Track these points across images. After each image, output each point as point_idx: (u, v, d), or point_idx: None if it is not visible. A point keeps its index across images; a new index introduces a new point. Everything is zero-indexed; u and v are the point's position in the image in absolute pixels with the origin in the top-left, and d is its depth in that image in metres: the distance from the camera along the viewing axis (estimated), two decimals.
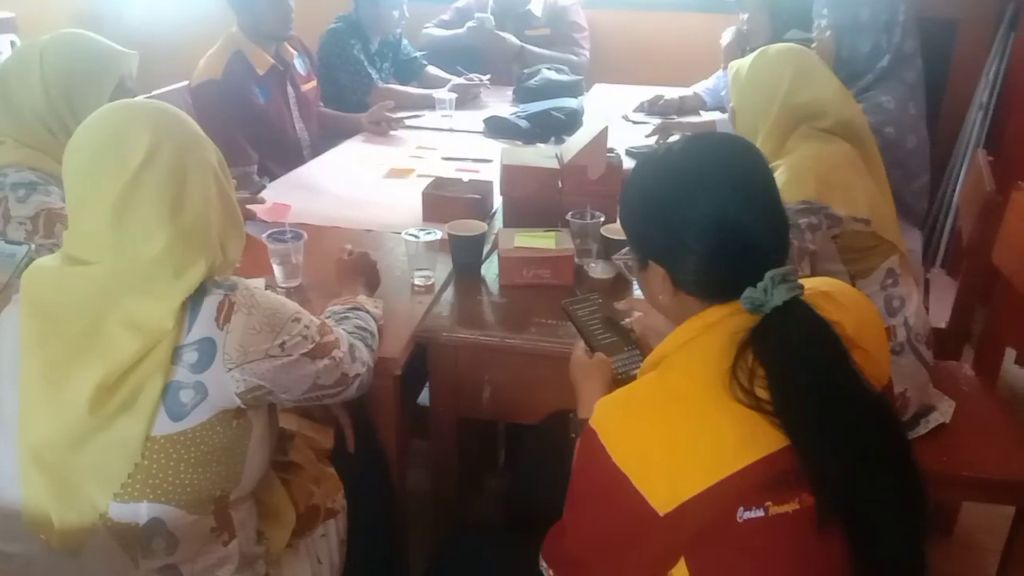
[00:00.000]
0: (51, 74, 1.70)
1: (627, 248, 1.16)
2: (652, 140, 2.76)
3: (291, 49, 2.89)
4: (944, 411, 1.83)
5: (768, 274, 0.98)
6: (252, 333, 1.11)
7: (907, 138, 2.12)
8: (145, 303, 1.06)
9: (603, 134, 1.97)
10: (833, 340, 0.98)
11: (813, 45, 2.39)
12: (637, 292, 1.63)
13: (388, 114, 2.97)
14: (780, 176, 1.67)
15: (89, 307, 1.06)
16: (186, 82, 2.85)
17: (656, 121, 3.06)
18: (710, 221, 1.00)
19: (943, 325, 2.17)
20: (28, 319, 1.09)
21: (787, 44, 1.85)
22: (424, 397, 1.74)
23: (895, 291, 1.74)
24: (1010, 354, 2.81)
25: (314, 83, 3.02)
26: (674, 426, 0.93)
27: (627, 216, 1.13)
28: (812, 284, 1.07)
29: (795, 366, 0.95)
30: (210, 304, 1.09)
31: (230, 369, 1.09)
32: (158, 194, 1.07)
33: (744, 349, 0.95)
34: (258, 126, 2.74)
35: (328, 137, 2.98)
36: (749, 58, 1.82)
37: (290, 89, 2.88)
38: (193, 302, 1.08)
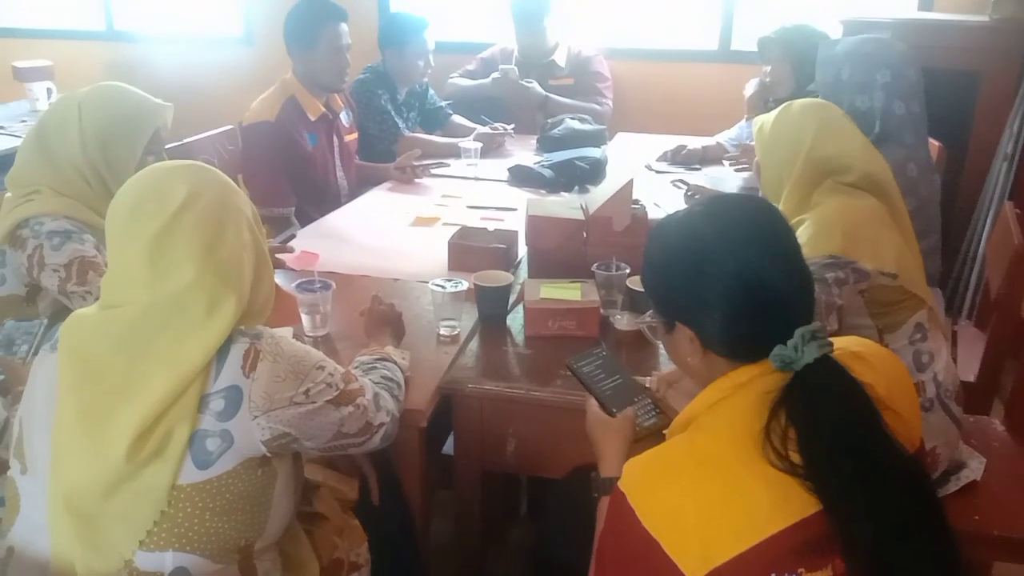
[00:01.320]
0: (88, 126, 1.75)
1: (649, 312, 1.16)
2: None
3: (340, 101, 2.97)
4: (975, 468, 1.80)
5: (798, 331, 0.98)
6: (277, 381, 1.12)
7: (905, 200, 2.11)
8: (176, 339, 1.08)
9: (628, 186, 1.99)
10: (865, 401, 0.97)
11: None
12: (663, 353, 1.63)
13: (415, 162, 3.01)
14: (806, 230, 1.68)
15: (124, 349, 1.08)
16: (227, 127, 2.93)
17: (679, 170, 3.08)
18: (736, 279, 1.01)
19: (972, 378, 2.15)
20: (65, 367, 1.11)
21: (811, 99, 1.86)
22: (449, 446, 1.74)
23: (924, 346, 1.73)
24: None
25: (355, 135, 3.09)
26: (706, 489, 0.93)
27: (651, 278, 1.13)
28: (842, 344, 1.06)
29: (827, 428, 0.94)
30: (236, 352, 1.11)
31: (256, 416, 1.10)
32: (194, 233, 1.10)
33: (777, 410, 0.95)
34: (303, 170, 2.81)
35: (360, 185, 3.04)
36: (773, 113, 1.84)
37: (335, 138, 2.95)
38: (220, 350, 1.10)
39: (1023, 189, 3.14)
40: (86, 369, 1.09)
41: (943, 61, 3.18)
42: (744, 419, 0.95)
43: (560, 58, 3.78)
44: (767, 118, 1.84)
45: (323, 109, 2.86)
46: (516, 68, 3.67)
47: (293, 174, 2.76)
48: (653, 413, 1.37)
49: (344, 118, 3.01)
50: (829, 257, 1.61)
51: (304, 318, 1.75)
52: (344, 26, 2.83)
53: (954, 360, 2.20)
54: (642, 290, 1.79)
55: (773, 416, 0.94)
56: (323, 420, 1.18)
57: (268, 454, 1.13)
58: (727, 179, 3.01)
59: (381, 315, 1.66)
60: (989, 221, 3.18)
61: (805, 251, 1.57)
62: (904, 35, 3.17)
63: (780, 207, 1.80)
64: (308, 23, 2.79)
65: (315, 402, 1.17)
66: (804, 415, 0.94)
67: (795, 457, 0.92)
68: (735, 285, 1.00)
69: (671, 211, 2.46)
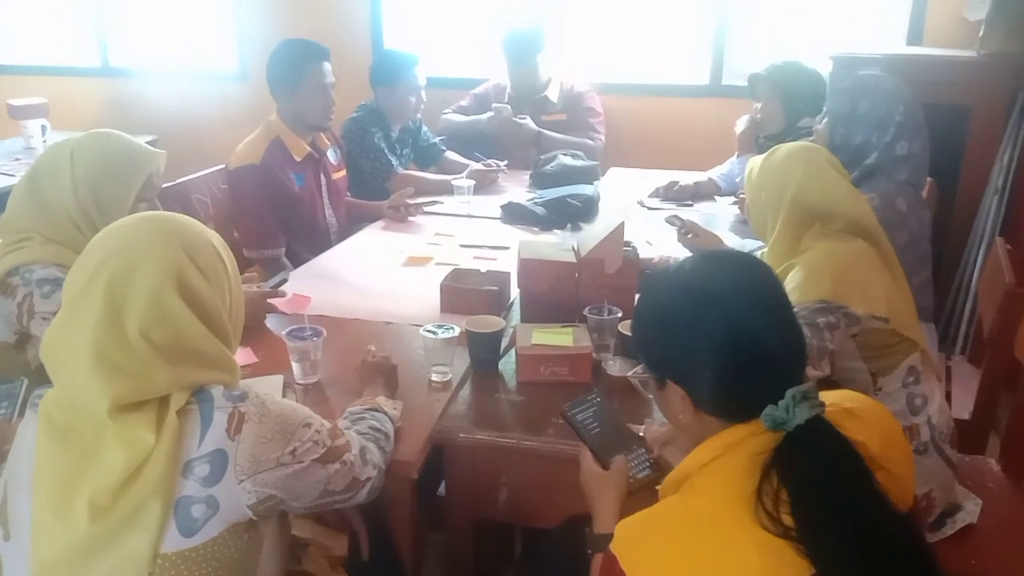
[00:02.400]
0: (80, 173, 1.75)
1: (640, 366, 1.16)
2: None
3: (326, 140, 2.97)
4: (971, 511, 1.79)
5: (789, 392, 0.98)
6: (264, 442, 1.11)
7: (896, 234, 2.14)
8: (128, 416, 1.06)
9: (620, 228, 1.99)
10: (857, 462, 0.97)
11: (815, 129, 2.42)
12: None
13: (408, 200, 3.01)
14: (796, 275, 1.68)
15: (89, 417, 1.07)
16: (220, 166, 2.94)
17: (672, 207, 3.09)
18: (726, 339, 1.01)
19: (966, 415, 2.14)
20: (42, 431, 1.10)
21: (799, 143, 1.87)
22: (443, 488, 1.73)
23: (917, 389, 1.72)
24: None
25: (343, 172, 3.10)
26: (699, 552, 0.92)
27: (642, 337, 1.13)
28: (834, 400, 1.06)
29: (819, 491, 0.93)
30: (220, 417, 1.09)
31: (242, 481, 1.09)
32: (111, 311, 1.08)
33: (768, 472, 0.94)
34: (291, 211, 2.81)
35: (352, 223, 3.04)
36: (762, 157, 1.85)
37: (323, 177, 2.95)
38: (204, 415, 1.09)
39: (1014, 224, 3.16)
40: (60, 437, 1.08)
41: (933, 96, 3.19)
42: (737, 481, 0.95)
43: (552, 94, 3.81)
44: (756, 161, 1.86)
45: (308, 149, 2.86)
46: (509, 106, 3.69)
47: (281, 215, 2.76)
48: (647, 465, 1.36)
49: (331, 156, 3.01)
50: (820, 302, 1.61)
51: (295, 366, 1.74)
52: (327, 65, 2.84)
53: (948, 397, 2.20)
54: None
55: (765, 478, 0.93)
56: (310, 479, 1.17)
57: (254, 518, 1.12)
58: (719, 215, 3.03)
59: (374, 366, 1.66)
60: (981, 255, 3.18)
61: (795, 296, 1.59)
62: (894, 70, 3.20)
63: (769, 250, 1.81)
64: (292, 64, 2.80)
65: (302, 462, 1.15)
66: (796, 477, 0.93)
67: (787, 520, 0.91)
68: (726, 345, 1.00)
69: (664, 250, 2.49)
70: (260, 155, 2.74)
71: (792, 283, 1.66)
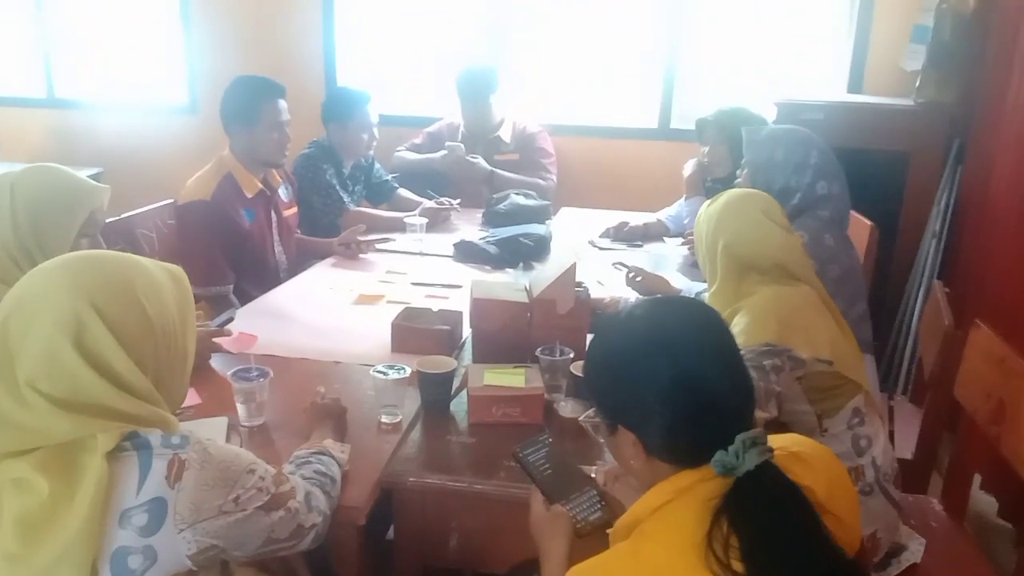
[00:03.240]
0: (21, 208, 1.72)
1: (592, 410, 1.16)
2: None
3: (278, 177, 2.95)
4: (915, 551, 1.81)
5: (739, 437, 0.99)
6: (205, 489, 1.08)
7: (828, 268, 2.22)
8: (16, 461, 1.04)
9: (571, 269, 2.00)
10: (806, 508, 0.98)
11: (736, 182, 2.49)
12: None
13: (360, 237, 3.00)
14: (742, 319, 1.71)
15: None
16: (168, 201, 2.89)
17: (622, 247, 3.13)
18: (676, 386, 1.02)
19: (909, 455, 2.18)
20: None
21: (740, 191, 1.93)
22: (392, 532, 1.69)
23: (862, 430, 1.75)
24: (977, 479, 2.82)
25: (295, 209, 3.07)
26: None
27: (593, 383, 1.13)
28: (782, 444, 1.07)
29: (768, 536, 0.94)
30: (159, 465, 1.06)
31: (181, 530, 1.06)
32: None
33: (719, 518, 0.94)
34: (240, 247, 2.76)
35: (302, 259, 3.00)
36: (705, 206, 1.90)
37: (273, 214, 2.92)
38: (142, 462, 1.05)
39: (952, 267, 3.26)
40: None
41: (873, 142, 3.32)
42: (687, 527, 0.95)
43: (505, 134, 3.84)
44: (702, 211, 1.90)
45: (260, 185, 2.83)
46: (462, 145, 3.71)
47: (230, 252, 2.72)
48: (598, 507, 1.35)
49: (283, 193, 2.98)
50: (765, 345, 1.64)
51: (240, 407, 1.70)
52: (283, 102, 2.83)
53: (891, 437, 2.24)
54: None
55: (715, 524, 0.94)
56: (253, 527, 1.14)
57: (194, 568, 1.08)
58: (668, 256, 3.07)
59: (324, 408, 1.63)
60: (920, 297, 3.28)
61: (741, 340, 1.61)
62: (835, 117, 3.33)
63: (714, 294, 1.83)
64: (247, 100, 2.78)
65: (245, 509, 1.12)
66: (745, 523, 0.93)
67: (737, 566, 0.92)
68: (675, 392, 1.01)
69: (615, 291, 2.50)
70: (211, 191, 2.70)
71: (738, 327, 1.68)
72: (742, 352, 1.51)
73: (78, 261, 1.15)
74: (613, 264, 2.79)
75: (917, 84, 3.35)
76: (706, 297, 1.90)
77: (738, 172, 2.51)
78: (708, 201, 1.91)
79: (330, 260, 2.97)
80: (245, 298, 2.62)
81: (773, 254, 1.77)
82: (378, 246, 3.05)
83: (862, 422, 1.76)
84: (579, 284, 2.04)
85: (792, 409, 1.70)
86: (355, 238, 2.99)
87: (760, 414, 1.56)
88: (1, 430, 1.03)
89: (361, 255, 2.98)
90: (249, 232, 2.78)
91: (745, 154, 2.46)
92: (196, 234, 2.68)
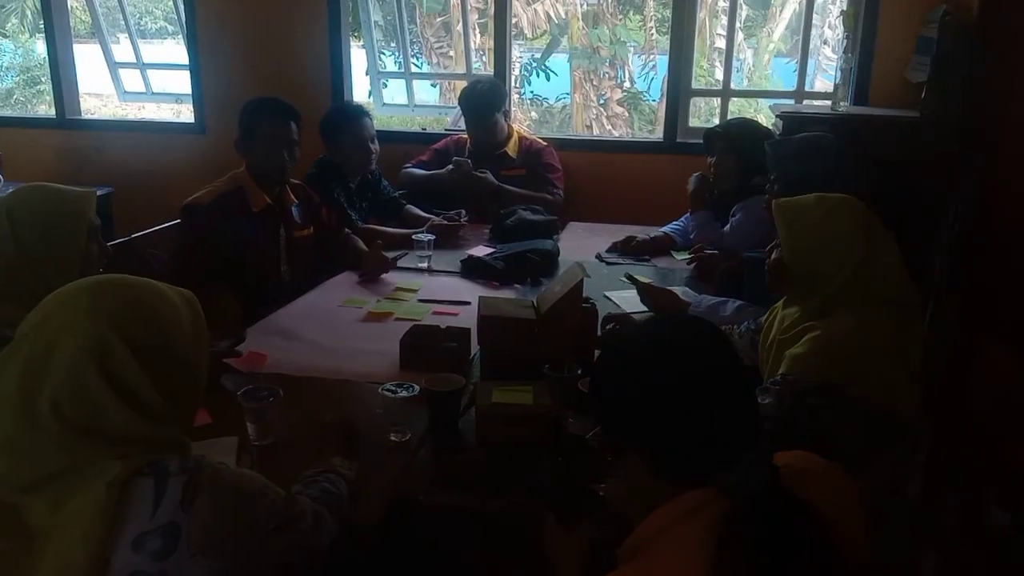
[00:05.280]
0: (23, 229, 1.74)
1: (597, 430, 1.16)
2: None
3: (293, 197, 2.96)
4: (928, 566, 1.80)
5: (745, 457, 0.98)
6: (218, 513, 1.09)
7: None
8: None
9: (579, 285, 2.01)
10: (812, 525, 0.97)
11: (766, 198, 2.47)
12: None
13: (384, 254, 2.99)
14: (809, 342, 1.63)
15: None
16: (176, 221, 2.92)
17: (629, 262, 3.13)
18: (682, 406, 1.02)
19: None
20: None
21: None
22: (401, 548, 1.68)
23: (903, 470, 1.66)
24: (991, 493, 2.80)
25: (310, 231, 3.04)
26: None
27: (600, 402, 1.13)
28: (788, 461, 1.07)
29: (775, 557, 0.94)
30: (175, 487, 1.07)
31: (194, 555, 1.06)
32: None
33: (726, 538, 0.94)
34: (240, 261, 2.77)
35: (314, 276, 2.98)
36: (814, 207, 1.76)
37: (283, 232, 2.93)
38: (157, 486, 1.06)
39: (962, 279, 3.24)
40: None
41: (879, 154, 3.31)
42: (695, 547, 0.95)
43: (512, 149, 3.85)
44: (803, 208, 1.76)
45: (268, 201, 2.86)
46: (469, 160, 3.72)
47: (226, 262, 2.74)
48: (607, 526, 1.34)
49: (296, 212, 2.99)
50: (819, 383, 1.56)
51: (250, 427, 1.71)
52: (290, 123, 2.86)
53: None
54: None
55: (723, 544, 0.94)
56: (265, 551, 1.15)
57: None
58: (676, 270, 3.07)
59: (335, 427, 1.63)
60: (931, 309, 3.25)
61: (796, 366, 1.57)
62: (841, 128, 3.32)
63: (793, 303, 1.77)
64: (252, 120, 2.84)
65: (256, 534, 1.13)
66: (753, 543, 0.93)
67: None
68: (682, 412, 1.01)
69: (621, 305, 2.49)
70: (211, 199, 2.75)
71: (802, 347, 1.63)
72: (791, 377, 1.48)
73: (101, 285, 1.17)
74: (622, 277, 2.78)
75: (923, 96, 3.34)
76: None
77: (767, 188, 2.49)
78: (808, 202, 1.77)
79: (340, 277, 2.97)
80: (249, 314, 2.62)
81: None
82: (399, 264, 3.04)
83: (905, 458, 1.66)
84: (587, 300, 2.05)
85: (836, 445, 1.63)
86: (380, 255, 2.98)
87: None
88: (14, 457, 1.04)
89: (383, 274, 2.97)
90: (250, 246, 2.79)
91: (773, 169, 2.45)
92: (183, 234, 2.78)
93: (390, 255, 3.03)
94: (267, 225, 2.87)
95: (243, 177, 2.83)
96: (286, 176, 2.90)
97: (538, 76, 9.94)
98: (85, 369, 1.07)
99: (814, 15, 4.34)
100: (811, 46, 4.43)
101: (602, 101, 9.96)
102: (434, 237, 3.19)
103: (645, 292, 2.50)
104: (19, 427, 1.05)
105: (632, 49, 10.18)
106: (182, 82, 4.58)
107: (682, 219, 3.39)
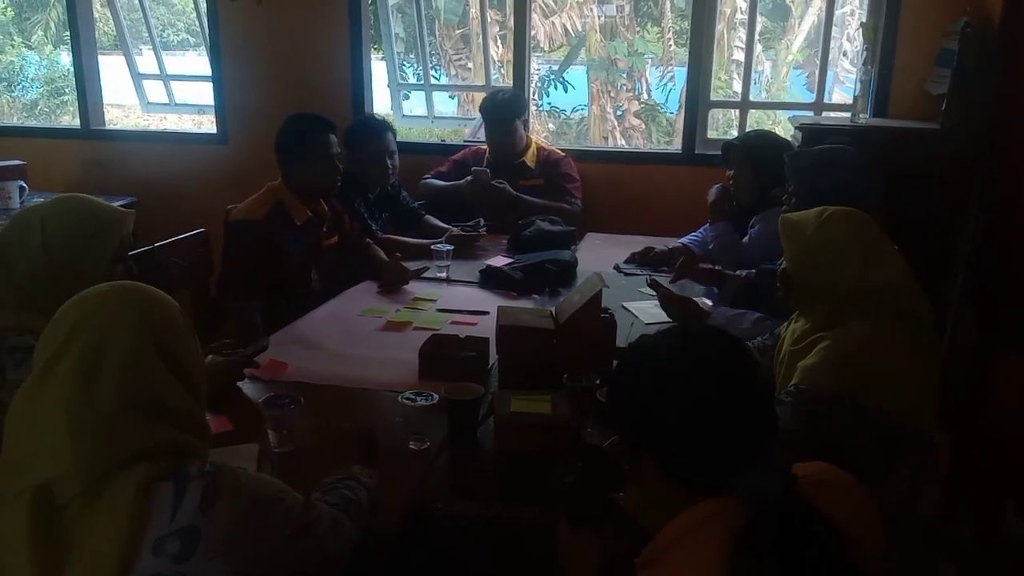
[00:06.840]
0: (54, 240, 1.75)
1: (614, 438, 1.16)
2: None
3: (325, 206, 3.01)
4: None
5: (762, 467, 0.99)
6: (237, 518, 1.11)
7: None
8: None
9: (597, 295, 2.02)
10: (828, 536, 0.98)
11: (783, 208, 2.46)
12: None
13: (404, 265, 3.02)
14: (819, 354, 1.64)
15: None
16: (199, 230, 2.96)
17: (647, 272, 3.13)
18: (700, 416, 1.02)
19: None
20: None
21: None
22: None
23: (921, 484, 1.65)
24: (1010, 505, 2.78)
25: (334, 239, 3.09)
26: None
27: (617, 410, 1.14)
28: (806, 471, 1.07)
29: (792, 565, 0.94)
30: (194, 491, 1.09)
31: (212, 558, 1.08)
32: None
33: (742, 547, 0.95)
34: (282, 273, 2.84)
35: (338, 285, 3.02)
36: (812, 220, 1.77)
37: (318, 242, 2.98)
38: (177, 489, 1.08)
39: (981, 292, 3.22)
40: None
41: (899, 166, 3.30)
42: (712, 557, 0.95)
43: (530, 159, 3.87)
44: (805, 223, 1.78)
45: (309, 214, 2.91)
46: (488, 170, 3.75)
47: (271, 275, 2.80)
48: (625, 535, 1.35)
49: (327, 222, 3.03)
50: (832, 393, 1.56)
51: (270, 434, 1.73)
52: (332, 137, 2.94)
53: None
54: None
55: (739, 553, 0.94)
56: (282, 556, 1.16)
57: None
58: (694, 283, 3.06)
59: (354, 436, 1.64)
60: (950, 322, 3.24)
61: (809, 376, 1.57)
62: (860, 141, 3.31)
63: (804, 313, 1.77)
64: (298, 135, 2.90)
65: (274, 538, 1.15)
66: (769, 552, 0.94)
67: None
68: (699, 422, 1.02)
69: (639, 314, 2.49)
70: (264, 213, 2.81)
71: (814, 358, 1.63)
72: (804, 387, 1.48)
73: (128, 284, 1.21)
74: (647, 280, 2.78)
75: (943, 108, 3.33)
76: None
77: (784, 200, 2.48)
78: (808, 216, 1.79)
79: (360, 287, 2.99)
80: (280, 319, 2.65)
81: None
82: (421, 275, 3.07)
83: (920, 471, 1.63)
84: (605, 310, 2.06)
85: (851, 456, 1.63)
86: (399, 265, 3.01)
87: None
88: (90, 444, 1.07)
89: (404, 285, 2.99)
90: (294, 258, 2.86)
91: (791, 181, 2.45)
92: (242, 249, 2.79)
93: (412, 266, 3.05)
94: (308, 236, 2.92)
95: (282, 190, 2.88)
96: (335, 189, 2.95)
97: (556, 88, 10.00)
98: (145, 352, 1.12)
99: (833, 27, 4.34)
100: (830, 58, 4.42)
101: (619, 113, 10.00)
102: (452, 247, 3.21)
103: (667, 301, 2.50)
104: (80, 416, 1.07)
105: (650, 61, 10.21)
106: (204, 94, 4.64)
107: (700, 230, 3.39)
